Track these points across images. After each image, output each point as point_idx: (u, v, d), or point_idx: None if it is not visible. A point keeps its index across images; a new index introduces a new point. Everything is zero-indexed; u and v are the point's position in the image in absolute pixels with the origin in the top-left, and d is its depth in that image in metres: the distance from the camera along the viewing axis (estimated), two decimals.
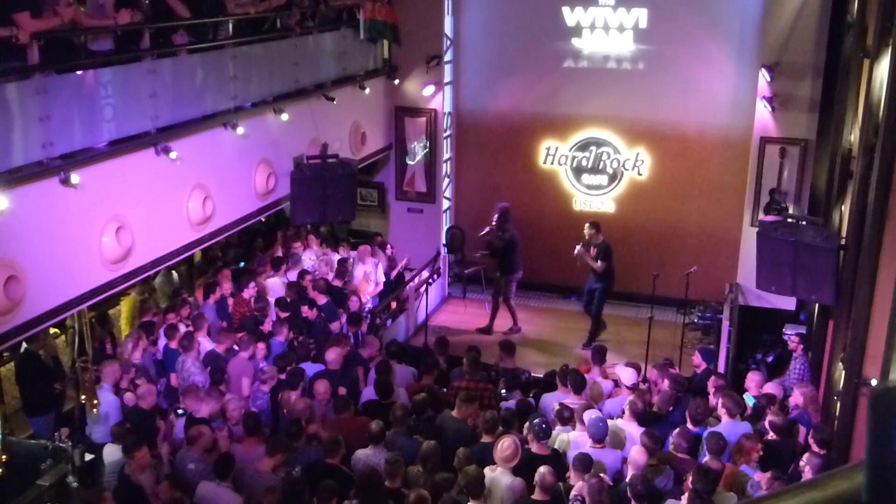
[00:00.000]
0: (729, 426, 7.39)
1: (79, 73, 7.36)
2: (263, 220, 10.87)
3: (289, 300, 10.53)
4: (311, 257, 12.23)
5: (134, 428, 7.40)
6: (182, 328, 9.39)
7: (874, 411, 0.99)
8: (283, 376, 8.63)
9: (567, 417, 7.58)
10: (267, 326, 9.99)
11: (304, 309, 10.36)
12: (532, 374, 10.03)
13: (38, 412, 8.65)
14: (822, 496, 1.10)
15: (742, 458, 6.96)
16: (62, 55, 7.22)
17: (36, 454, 7.71)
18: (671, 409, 8.21)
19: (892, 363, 6.13)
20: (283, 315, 10.10)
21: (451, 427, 7.63)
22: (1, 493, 7.17)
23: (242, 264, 12.46)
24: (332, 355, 8.90)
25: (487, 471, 6.57)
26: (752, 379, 8.78)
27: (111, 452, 7.35)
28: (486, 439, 7.14)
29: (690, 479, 6.32)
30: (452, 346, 10.08)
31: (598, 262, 11.58)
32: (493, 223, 12.12)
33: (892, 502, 0.99)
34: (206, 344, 9.32)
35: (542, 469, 6.34)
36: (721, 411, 7.67)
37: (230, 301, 10.61)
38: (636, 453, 6.72)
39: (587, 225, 11.79)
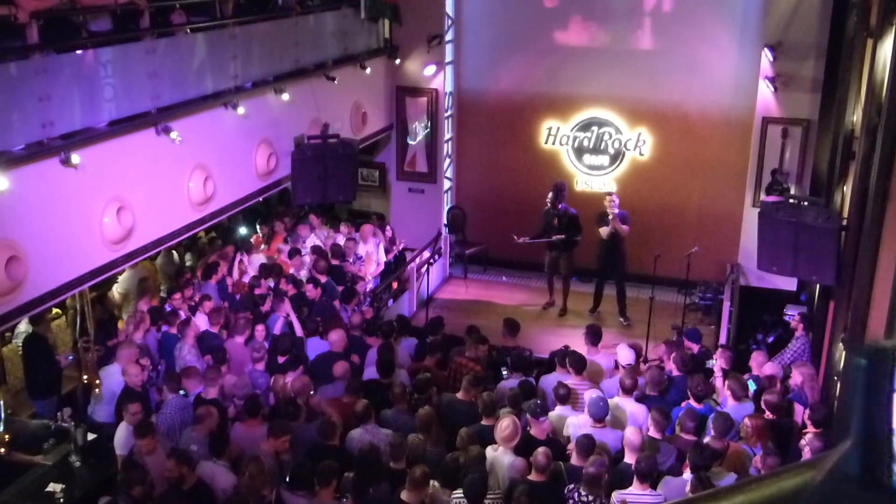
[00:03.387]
0: (734, 409, 7.42)
1: (78, 52, 7.33)
2: (261, 200, 10.87)
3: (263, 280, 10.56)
4: (311, 238, 12.22)
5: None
6: (182, 314, 9.37)
7: (869, 373, 0.89)
8: (281, 360, 8.61)
9: (563, 395, 7.60)
10: (266, 306, 9.99)
11: (310, 288, 10.37)
12: (534, 354, 10.00)
13: (41, 394, 8.66)
14: (763, 496, 1.04)
15: (752, 439, 6.96)
16: (61, 35, 7.19)
17: (39, 434, 7.77)
18: (662, 389, 8.18)
19: None
20: (291, 292, 10.12)
21: (461, 410, 7.61)
22: (4, 473, 7.22)
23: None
24: (336, 336, 8.91)
25: (489, 450, 6.62)
26: (756, 359, 8.79)
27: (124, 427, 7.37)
28: (486, 422, 7.13)
29: (688, 456, 6.37)
30: (456, 326, 10.12)
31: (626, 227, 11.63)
32: (548, 201, 11.97)
33: (884, 474, 0.90)
34: (205, 324, 9.29)
35: (538, 450, 6.37)
36: (727, 394, 7.69)
37: (229, 281, 10.62)
38: (630, 434, 6.71)
39: (610, 196, 11.75)
